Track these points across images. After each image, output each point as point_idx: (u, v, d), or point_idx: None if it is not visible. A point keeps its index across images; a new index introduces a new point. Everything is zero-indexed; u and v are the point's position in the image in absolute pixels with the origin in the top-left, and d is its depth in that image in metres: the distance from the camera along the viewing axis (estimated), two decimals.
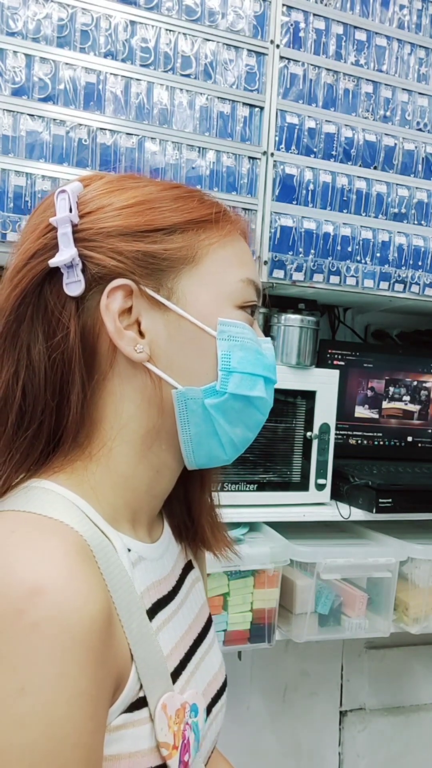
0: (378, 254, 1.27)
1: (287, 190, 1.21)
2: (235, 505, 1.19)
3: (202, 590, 0.69)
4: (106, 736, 0.46)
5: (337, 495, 1.27)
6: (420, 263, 1.31)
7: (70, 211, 0.52)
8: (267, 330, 1.26)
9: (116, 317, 0.52)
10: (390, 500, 1.21)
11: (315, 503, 1.25)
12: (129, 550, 0.53)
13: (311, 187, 1.22)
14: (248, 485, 1.20)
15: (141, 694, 0.49)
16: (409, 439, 1.52)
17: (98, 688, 0.43)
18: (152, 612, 0.54)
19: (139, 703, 0.49)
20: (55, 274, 0.52)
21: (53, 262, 0.51)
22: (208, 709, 0.60)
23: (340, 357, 1.45)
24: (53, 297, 0.52)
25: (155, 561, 0.57)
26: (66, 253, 0.51)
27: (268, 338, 0.60)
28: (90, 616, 0.42)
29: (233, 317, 0.55)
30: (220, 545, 0.69)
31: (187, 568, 0.66)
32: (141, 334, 0.53)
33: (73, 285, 0.51)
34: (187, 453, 0.57)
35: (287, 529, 1.22)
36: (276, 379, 0.60)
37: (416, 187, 1.31)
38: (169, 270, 0.53)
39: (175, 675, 0.55)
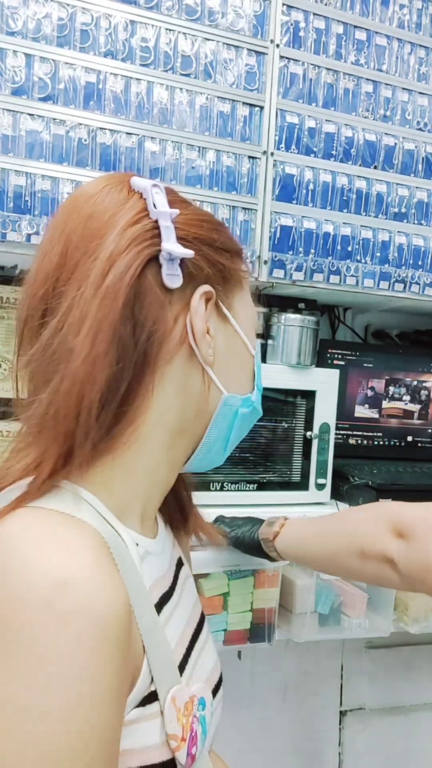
0: (378, 254, 1.27)
1: (287, 190, 1.21)
2: (235, 505, 1.19)
3: (194, 587, 0.69)
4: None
5: (337, 495, 1.27)
6: (420, 263, 1.31)
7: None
8: (267, 330, 1.26)
9: (204, 319, 0.55)
10: (390, 500, 1.21)
11: (315, 503, 1.25)
12: (137, 545, 0.54)
13: (311, 186, 1.22)
14: (248, 485, 1.20)
15: (152, 688, 0.50)
16: (409, 438, 1.52)
17: (120, 682, 0.44)
18: (159, 606, 0.55)
19: (151, 697, 0.50)
20: (153, 262, 0.53)
21: (171, 249, 0.52)
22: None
23: (340, 357, 1.45)
24: (153, 285, 0.53)
25: (158, 556, 0.59)
26: (179, 248, 0.53)
27: None
28: (115, 608, 0.43)
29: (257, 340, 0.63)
30: (207, 528, 0.74)
31: (179, 564, 0.67)
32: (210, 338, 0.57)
33: (173, 278, 0.53)
34: (197, 454, 0.60)
35: None
36: None
37: (416, 187, 1.31)
38: (230, 288, 0.59)
39: (180, 668, 0.55)
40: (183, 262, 0.54)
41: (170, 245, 0.52)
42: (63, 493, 0.50)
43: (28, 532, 0.45)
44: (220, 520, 1.01)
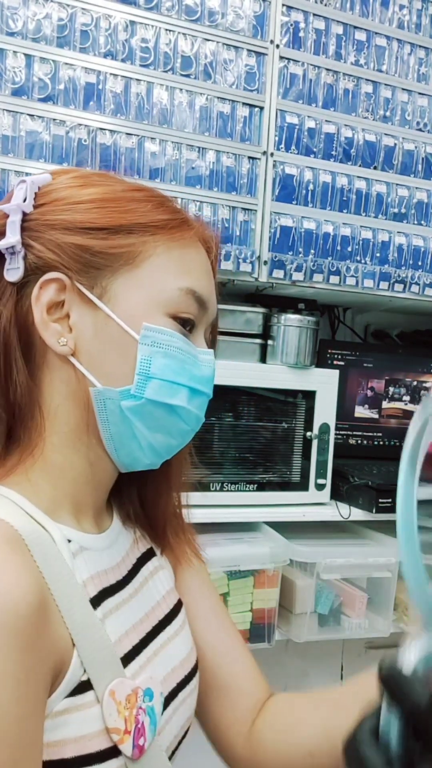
0: (378, 254, 1.27)
1: (287, 190, 1.21)
2: (235, 505, 1.19)
3: (167, 578, 0.68)
4: (48, 722, 0.47)
5: (337, 495, 1.27)
6: (420, 263, 1.31)
7: (24, 200, 0.53)
8: (267, 330, 1.26)
9: (44, 309, 0.53)
10: (390, 500, 1.21)
11: (315, 503, 1.25)
12: (69, 541, 0.54)
13: (311, 187, 1.22)
14: (248, 485, 1.20)
15: (84, 678, 0.50)
16: None
17: (27, 673, 0.44)
18: (97, 600, 0.55)
19: (84, 687, 0.50)
20: (1, 259, 0.54)
21: None
22: (174, 695, 0.60)
23: (340, 357, 1.45)
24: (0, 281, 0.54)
25: (101, 551, 0.58)
26: (5, 240, 0.53)
27: (210, 350, 0.59)
28: (15, 601, 0.43)
29: (162, 324, 0.55)
30: (182, 547, 0.69)
31: (145, 557, 0.66)
32: (70, 328, 0.54)
33: (12, 271, 0.53)
34: (111, 452, 0.57)
35: (287, 529, 1.22)
36: (209, 392, 0.59)
37: (416, 187, 1.31)
38: (105, 269, 0.54)
39: (126, 660, 0.55)
40: (27, 254, 0.53)
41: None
42: None
43: None
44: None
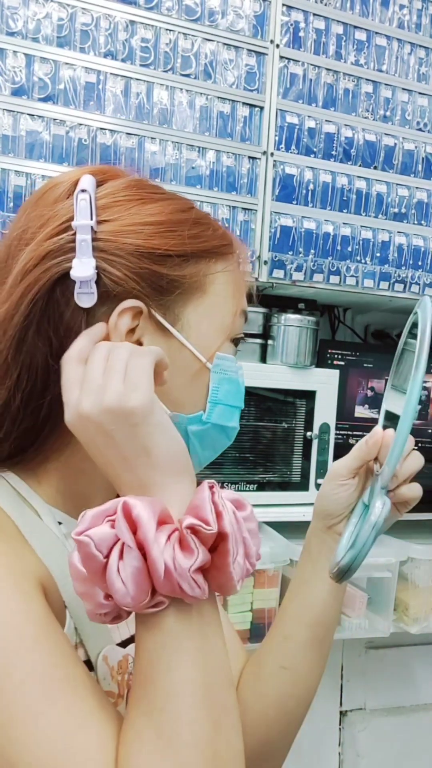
0: (378, 254, 1.27)
1: (287, 190, 1.21)
2: None
3: None
4: None
5: None
6: (420, 263, 1.31)
7: (92, 217, 0.50)
8: (267, 330, 1.26)
9: (123, 337, 0.51)
10: None
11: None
12: (60, 524, 0.55)
13: (311, 186, 1.22)
14: (248, 485, 1.20)
15: (77, 641, 0.52)
16: None
17: (50, 617, 0.46)
18: None
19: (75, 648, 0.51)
20: (67, 278, 0.50)
21: (76, 276, 0.49)
22: None
23: (340, 357, 1.45)
24: (63, 304, 0.50)
25: None
26: (88, 267, 0.49)
27: (242, 365, 0.61)
28: (22, 567, 0.47)
29: (226, 350, 0.56)
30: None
31: None
32: None
33: (86, 297, 0.50)
34: None
35: (287, 529, 1.22)
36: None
37: (416, 187, 1.31)
38: (177, 296, 0.53)
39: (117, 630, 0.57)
40: (100, 278, 0.50)
41: (77, 267, 0.49)
42: None
43: None
44: None
